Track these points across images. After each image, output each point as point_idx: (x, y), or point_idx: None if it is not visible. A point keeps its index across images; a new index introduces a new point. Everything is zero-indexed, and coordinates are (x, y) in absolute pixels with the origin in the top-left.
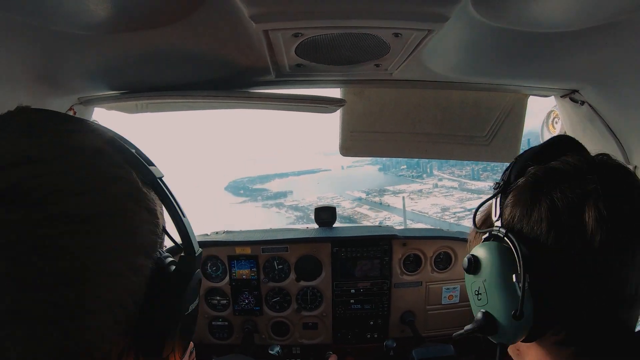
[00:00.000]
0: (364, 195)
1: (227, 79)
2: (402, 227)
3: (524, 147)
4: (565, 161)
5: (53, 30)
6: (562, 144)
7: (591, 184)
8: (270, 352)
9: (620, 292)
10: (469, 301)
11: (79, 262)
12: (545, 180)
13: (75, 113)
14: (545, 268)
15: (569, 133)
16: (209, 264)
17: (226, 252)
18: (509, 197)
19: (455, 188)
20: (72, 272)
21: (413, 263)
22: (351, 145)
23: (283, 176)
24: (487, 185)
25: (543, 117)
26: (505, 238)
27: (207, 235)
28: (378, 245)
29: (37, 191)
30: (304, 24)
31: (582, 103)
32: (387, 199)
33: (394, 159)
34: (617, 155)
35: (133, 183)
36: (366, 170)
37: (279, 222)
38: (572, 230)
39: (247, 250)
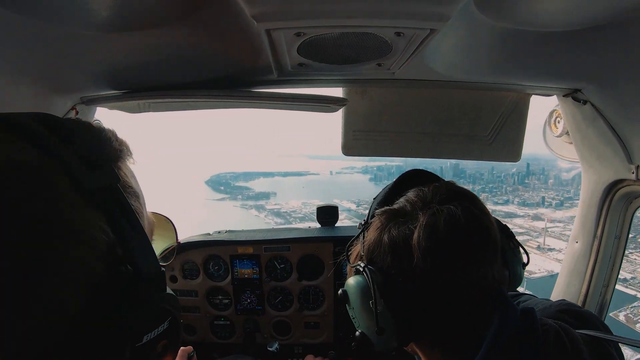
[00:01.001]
0: (353, 207)
1: (229, 78)
2: None
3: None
4: (406, 200)
5: (56, 30)
6: (408, 181)
7: (418, 218)
8: (269, 348)
9: (454, 300)
10: None
11: None
12: (386, 220)
13: (77, 112)
14: (394, 289)
15: (571, 132)
16: (211, 263)
17: (228, 251)
18: (366, 235)
19: None
20: None
21: None
22: (353, 144)
23: (269, 175)
24: (514, 209)
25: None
26: (363, 271)
27: (209, 234)
28: None
29: None
30: (306, 23)
31: (585, 102)
32: None
33: (386, 170)
34: (619, 154)
35: (52, 202)
36: (356, 178)
37: (255, 227)
38: (404, 255)
39: (249, 250)
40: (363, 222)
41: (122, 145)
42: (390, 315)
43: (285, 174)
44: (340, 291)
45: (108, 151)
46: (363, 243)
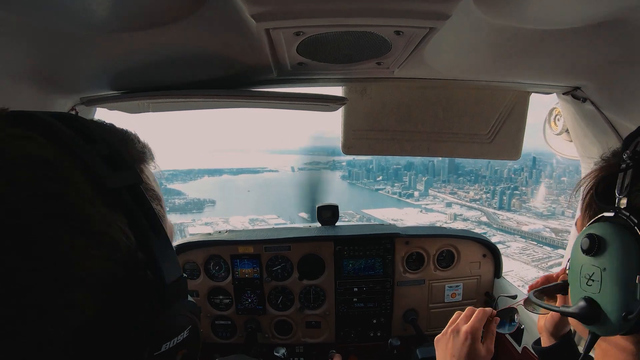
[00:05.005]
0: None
1: (229, 78)
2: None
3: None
4: None
5: (55, 30)
6: None
7: None
8: (276, 354)
9: None
10: (472, 299)
11: None
12: None
13: (77, 113)
14: None
15: (570, 130)
16: (212, 263)
17: (229, 251)
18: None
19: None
20: None
21: (416, 261)
22: (353, 143)
23: (216, 173)
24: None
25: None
26: (636, 228)
27: (209, 234)
28: (381, 244)
29: None
30: (305, 23)
31: (584, 100)
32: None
33: (363, 167)
34: None
35: (71, 201)
36: (324, 176)
37: None
38: None
39: (250, 250)
40: (629, 154)
41: (145, 147)
42: None
43: (238, 171)
44: (589, 234)
45: (131, 152)
46: (633, 183)
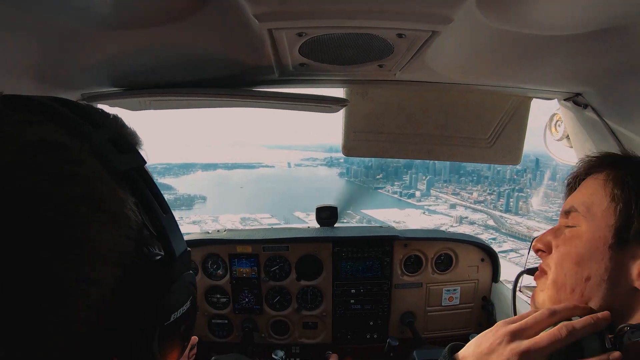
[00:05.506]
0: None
1: (230, 77)
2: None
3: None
4: None
5: (56, 26)
6: None
7: None
8: (275, 357)
9: None
10: (469, 303)
11: (21, 279)
12: None
13: None
14: None
15: (571, 136)
16: (210, 262)
17: (227, 250)
18: None
19: (495, 228)
20: (14, 290)
21: (414, 264)
22: (354, 145)
23: (210, 168)
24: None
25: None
26: None
27: (208, 233)
28: (379, 246)
29: None
30: (308, 24)
31: (586, 106)
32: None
33: (361, 163)
34: None
35: (89, 181)
36: (320, 173)
37: None
38: None
39: (248, 249)
40: None
41: (135, 132)
42: None
43: (232, 166)
44: None
45: (130, 136)
46: None
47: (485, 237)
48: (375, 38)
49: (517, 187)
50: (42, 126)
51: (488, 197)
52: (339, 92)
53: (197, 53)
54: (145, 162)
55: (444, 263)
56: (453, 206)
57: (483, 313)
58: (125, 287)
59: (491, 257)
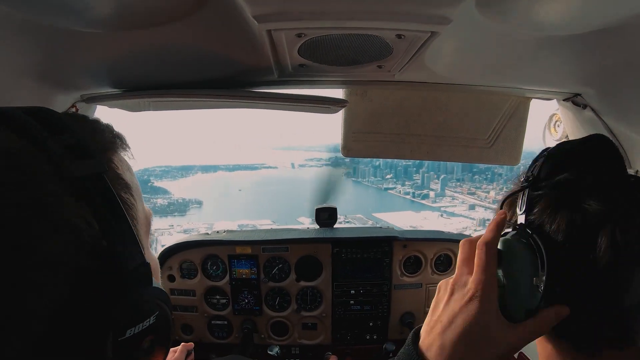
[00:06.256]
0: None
1: (230, 78)
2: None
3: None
4: (596, 173)
5: (56, 27)
6: (596, 147)
7: (614, 205)
8: (270, 352)
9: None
10: None
11: None
12: (573, 192)
13: (77, 110)
14: (558, 273)
15: (570, 136)
16: (209, 263)
17: (227, 251)
18: (539, 193)
19: None
20: None
21: (413, 265)
22: (353, 145)
23: (210, 170)
24: None
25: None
26: (530, 239)
27: (207, 234)
28: (379, 247)
29: None
30: (307, 25)
31: (585, 106)
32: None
33: (369, 163)
34: None
35: (35, 189)
36: (325, 173)
37: None
38: (583, 249)
39: (248, 250)
40: (529, 175)
41: (116, 137)
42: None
43: (234, 168)
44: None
45: (99, 142)
46: (530, 201)
47: None
48: (374, 39)
49: None
50: None
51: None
52: (338, 93)
53: (197, 54)
54: (105, 169)
55: (444, 263)
56: (472, 207)
57: None
58: (73, 298)
59: None
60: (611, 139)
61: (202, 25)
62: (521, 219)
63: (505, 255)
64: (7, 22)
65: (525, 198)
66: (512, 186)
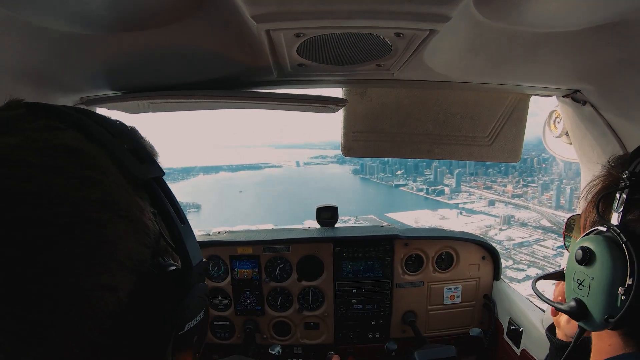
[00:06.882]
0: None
1: (229, 78)
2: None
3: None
4: None
5: (56, 30)
6: None
7: None
8: (271, 351)
9: None
10: (470, 301)
11: (38, 280)
12: None
13: None
14: None
15: (570, 133)
16: (211, 264)
17: (228, 251)
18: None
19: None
20: (33, 290)
21: (415, 263)
22: (353, 145)
23: (211, 171)
24: None
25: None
26: (623, 245)
27: (209, 235)
28: (380, 246)
29: None
30: (305, 24)
31: (584, 103)
32: None
33: (376, 159)
34: None
35: (110, 188)
36: (332, 171)
37: None
38: None
39: (249, 250)
40: (629, 175)
41: (150, 143)
42: (628, 306)
43: (237, 168)
44: (583, 247)
45: (149, 147)
46: (630, 201)
47: (550, 243)
48: (373, 37)
49: (561, 179)
50: (63, 132)
51: (528, 191)
52: (337, 92)
53: (195, 55)
54: (164, 173)
55: (445, 262)
56: (492, 203)
57: (485, 311)
58: (140, 295)
59: (492, 255)
60: (611, 134)
61: (200, 27)
62: (614, 219)
63: (593, 255)
64: (7, 24)
65: (624, 198)
66: (601, 174)
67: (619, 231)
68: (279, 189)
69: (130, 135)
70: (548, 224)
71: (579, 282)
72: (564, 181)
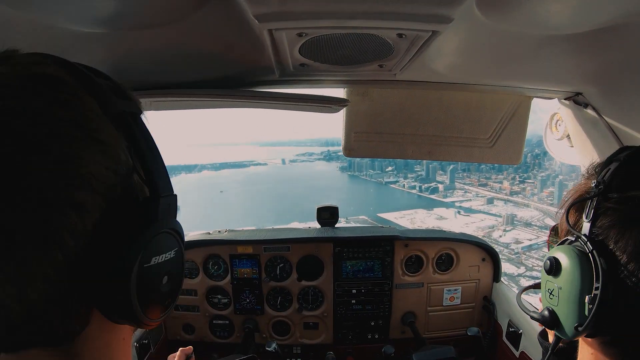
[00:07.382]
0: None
1: (231, 78)
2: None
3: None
4: None
5: (58, 28)
6: None
7: None
8: (267, 348)
9: None
10: (470, 303)
11: (6, 184)
12: None
13: None
14: (615, 290)
15: (571, 136)
16: (211, 263)
17: (228, 250)
18: (609, 206)
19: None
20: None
21: (415, 264)
22: (354, 145)
23: (193, 169)
24: None
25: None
26: (590, 254)
27: (209, 233)
28: (380, 246)
29: None
30: (308, 24)
31: (586, 105)
32: None
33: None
34: None
35: (85, 112)
36: (318, 168)
37: None
38: None
39: (249, 249)
40: (599, 183)
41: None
42: (595, 316)
43: (221, 166)
44: (550, 258)
45: (128, 91)
46: (597, 210)
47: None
48: (375, 38)
49: (556, 174)
50: (48, 65)
51: (526, 187)
52: (339, 93)
53: (198, 54)
54: (141, 112)
55: (445, 263)
56: (490, 201)
57: (484, 313)
58: (107, 221)
59: (492, 257)
60: (612, 137)
61: (203, 25)
62: (585, 228)
63: (559, 265)
64: (8, 22)
65: (593, 206)
66: (580, 180)
67: (585, 240)
68: (264, 188)
69: (114, 82)
70: (553, 223)
71: (549, 292)
72: (565, 177)
